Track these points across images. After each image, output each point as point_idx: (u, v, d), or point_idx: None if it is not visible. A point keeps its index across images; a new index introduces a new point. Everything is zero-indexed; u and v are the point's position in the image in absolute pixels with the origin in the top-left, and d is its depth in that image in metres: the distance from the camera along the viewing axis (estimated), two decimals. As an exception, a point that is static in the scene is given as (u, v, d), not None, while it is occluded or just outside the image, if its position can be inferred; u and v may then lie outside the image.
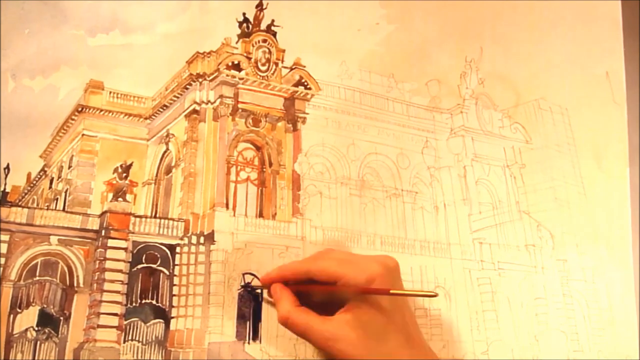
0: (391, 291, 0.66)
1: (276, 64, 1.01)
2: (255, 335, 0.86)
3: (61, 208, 0.93)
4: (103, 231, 0.90)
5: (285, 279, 0.77)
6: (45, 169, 0.93)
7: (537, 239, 0.96)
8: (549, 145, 0.96)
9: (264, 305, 0.88)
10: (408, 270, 0.92)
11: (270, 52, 1.01)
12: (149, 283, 0.89)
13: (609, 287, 0.92)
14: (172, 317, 0.86)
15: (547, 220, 0.96)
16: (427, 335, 0.88)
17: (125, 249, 0.90)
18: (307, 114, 1.00)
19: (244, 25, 0.99)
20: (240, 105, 0.98)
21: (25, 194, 0.91)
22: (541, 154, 0.99)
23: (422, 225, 0.93)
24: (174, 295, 0.88)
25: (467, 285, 0.91)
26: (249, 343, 0.85)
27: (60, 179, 0.97)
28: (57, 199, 0.95)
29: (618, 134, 0.94)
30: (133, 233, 0.91)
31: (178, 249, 0.92)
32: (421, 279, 0.91)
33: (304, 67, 1.00)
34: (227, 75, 0.98)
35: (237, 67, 0.99)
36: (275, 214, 0.94)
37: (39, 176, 0.93)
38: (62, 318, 0.85)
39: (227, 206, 0.92)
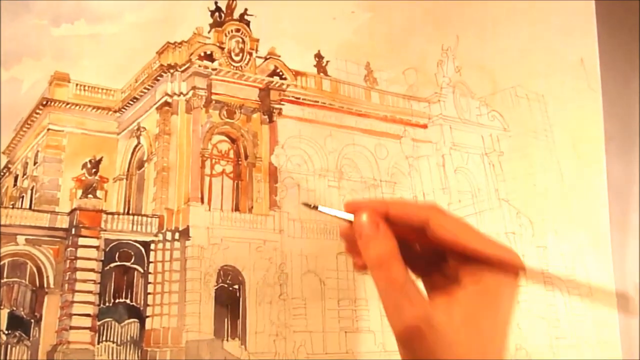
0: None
1: (250, 54, 0.98)
2: (234, 332, 0.84)
3: (27, 206, 0.89)
4: (73, 229, 0.87)
5: (388, 216, 0.50)
6: (9, 165, 0.90)
7: (516, 226, 0.96)
8: (526, 133, 0.96)
9: (242, 301, 0.86)
10: (389, 261, 0.91)
11: (243, 42, 0.99)
12: (123, 282, 0.87)
13: (588, 273, 0.93)
14: (148, 316, 0.84)
15: (526, 208, 0.96)
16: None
17: (97, 248, 0.88)
18: (283, 104, 0.98)
19: (216, 14, 0.97)
20: (213, 97, 0.96)
21: (-12, 192, 0.87)
22: (519, 141, 0.99)
23: (401, 215, 0.92)
24: (149, 293, 0.86)
25: (448, 275, 0.90)
26: (227, 340, 0.83)
27: (25, 176, 0.93)
28: (22, 197, 0.92)
29: (594, 120, 0.95)
30: (105, 231, 0.88)
31: (152, 246, 0.90)
32: (402, 270, 0.91)
33: (279, 56, 0.98)
34: (200, 66, 0.95)
35: (209, 57, 0.96)
36: (252, 207, 0.92)
37: (2, 173, 0.89)
38: (33, 320, 0.82)
39: (202, 200, 0.90)
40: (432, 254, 0.51)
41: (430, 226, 0.48)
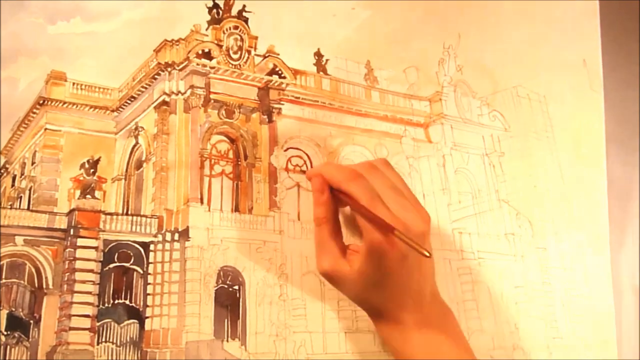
0: (395, 232, 0.63)
1: (249, 52, 0.97)
2: (234, 333, 0.85)
3: (25, 207, 0.88)
4: (72, 230, 0.86)
5: (328, 180, 0.70)
6: (7, 165, 0.89)
7: (516, 227, 0.96)
8: (527, 133, 0.95)
9: (242, 302, 0.87)
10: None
11: (242, 40, 0.97)
12: (122, 282, 0.87)
13: (587, 274, 0.93)
14: (147, 317, 0.84)
15: (526, 209, 0.96)
16: (409, 327, 0.88)
17: (95, 248, 0.87)
18: (282, 104, 0.98)
19: (214, 11, 0.95)
20: (212, 96, 0.95)
21: (-14, 193, 0.87)
22: (520, 142, 0.98)
23: (401, 216, 0.92)
24: (149, 294, 0.86)
25: (447, 276, 0.91)
26: (227, 341, 0.84)
27: (23, 176, 0.92)
28: (20, 198, 0.91)
29: (595, 121, 0.95)
30: (104, 231, 0.88)
31: (152, 247, 0.89)
32: (402, 271, 0.91)
33: (278, 54, 0.97)
34: (198, 65, 0.94)
35: (207, 55, 0.95)
36: (252, 208, 0.92)
37: (0, 173, 0.88)
38: (32, 321, 0.82)
39: (201, 201, 0.90)
40: None
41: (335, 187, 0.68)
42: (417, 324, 0.68)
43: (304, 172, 0.96)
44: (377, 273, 0.66)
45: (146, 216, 0.91)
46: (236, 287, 0.87)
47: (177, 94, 0.95)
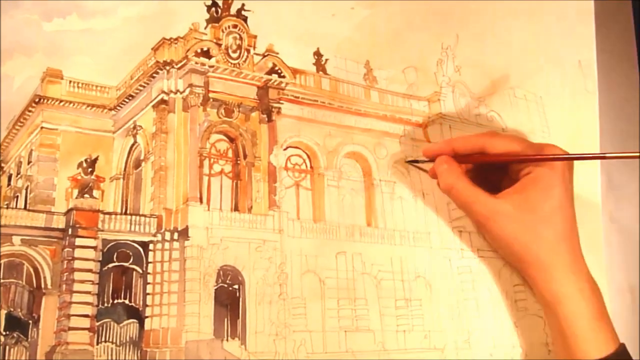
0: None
1: (248, 51, 0.97)
2: (234, 332, 0.85)
3: (22, 206, 0.88)
4: (70, 230, 0.86)
5: (455, 151, 0.75)
6: (2, 164, 0.88)
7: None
8: (524, 134, 0.97)
9: (242, 301, 0.87)
10: (388, 261, 0.92)
11: (241, 38, 0.97)
12: (121, 282, 0.87)
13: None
14: (147, 317, 0.84)
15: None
16: (409, 325, 0.89)
17: (94, 248, 0.87)
18: (282, 103, 0.98)
19: (213, 9, 0.95)
20: (211, 95, 0.95)
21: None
22: (517, 142, 0.99)
23: (401, 215, 0.93)
24: (148, 293, 0.86)
25: (447, 274, 0.92)
26: (227, 340, 0.84)
27: (19, 176, 0.91)
28: (17, 197, 0.90)
29: (590, 122, 0.96)
30: (102, 231, 0.87)
31: (151, 246, 0.89)
32: (401, 270, 0.92)
33: (277, 53, 0.97)
34: (196, 63, 0.94)
35: (206, 54, 0.95)
36: (251, 207, 0.92)
37: (-4, 173, 0.87)
38: (30, 321, 0.81)
39: (200, 200, 0.89)
40: (497, 167, 0.73)
41: (487, 150, 0.71)
42: (571, 269, 0.69)
43: (303, 171, 0.96)
44: (545, 204, 0.65)
45: (145, 215, 0.90)
46: (236, 287, 0.87)
47: (175, 93, 0.95)
